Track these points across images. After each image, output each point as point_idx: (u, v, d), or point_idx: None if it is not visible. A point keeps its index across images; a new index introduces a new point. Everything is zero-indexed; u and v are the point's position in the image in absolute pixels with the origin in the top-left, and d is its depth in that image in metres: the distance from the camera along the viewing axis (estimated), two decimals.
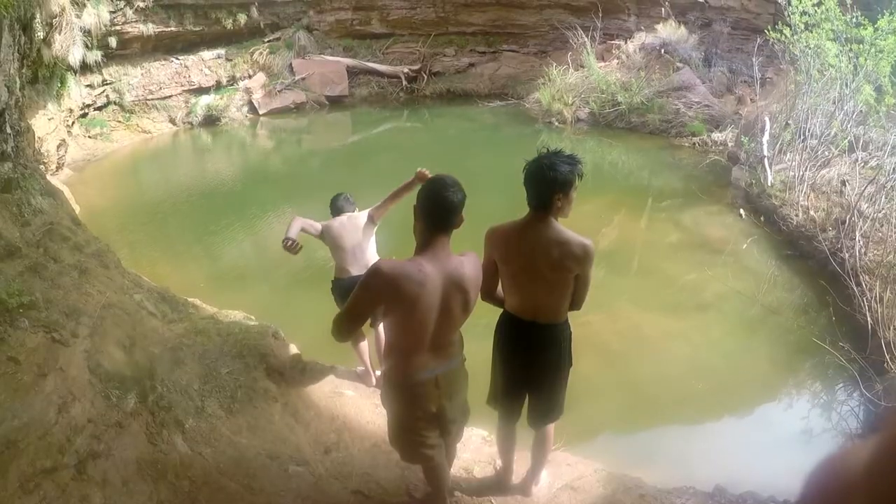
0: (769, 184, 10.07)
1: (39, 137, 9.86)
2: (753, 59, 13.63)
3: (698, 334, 7.04)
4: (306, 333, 6.47)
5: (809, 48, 10.58)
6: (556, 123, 15.30)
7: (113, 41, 14.49)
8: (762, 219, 9.56)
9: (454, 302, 3.05)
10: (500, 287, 3.63)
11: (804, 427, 5.78)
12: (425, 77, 19.07)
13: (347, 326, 3.08)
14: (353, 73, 18.46)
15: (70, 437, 3.47)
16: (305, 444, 4.37)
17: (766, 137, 10.92)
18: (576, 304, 3.53)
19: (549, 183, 3.23)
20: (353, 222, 5.06)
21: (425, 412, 3.27)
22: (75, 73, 13.44)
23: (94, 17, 13.58)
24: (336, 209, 5.23)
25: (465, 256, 3.12)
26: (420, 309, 2.96)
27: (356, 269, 4.87)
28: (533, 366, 3.59)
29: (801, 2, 10.53)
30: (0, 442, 3.16)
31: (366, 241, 5.05)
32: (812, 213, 8.95)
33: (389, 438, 3.60)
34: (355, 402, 4.98)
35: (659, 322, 7.14)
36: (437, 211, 2.98)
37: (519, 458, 4.21)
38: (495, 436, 4.17)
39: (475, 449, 4.65)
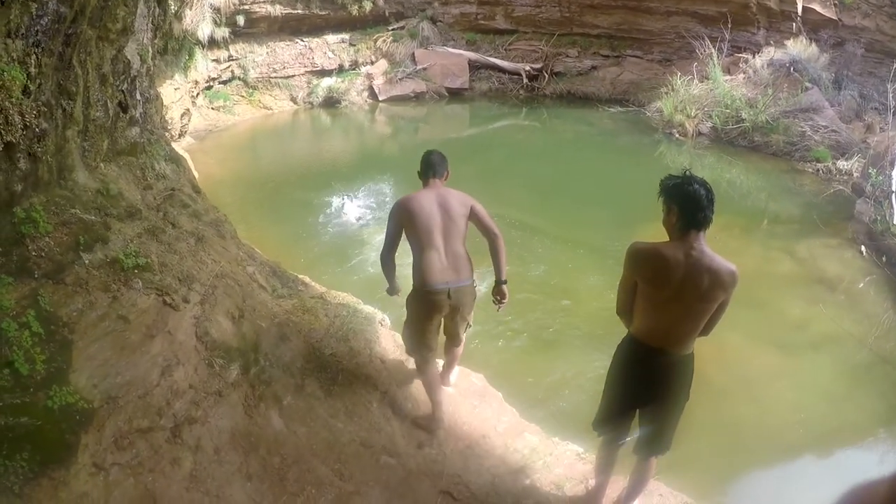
0: (895, 222, 9.38)
1: (165, 106, 10.19)
2: (888, 86, 12.37)
3: (803, 376, 6.59)
4: None
5: None
6: (677, 135, 14.67)
7: (241, 19, 15.03)
8: (884, 258, 8.83)
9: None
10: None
11: None
12: (546, 76, 18.70)
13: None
14: (474, 66, 18.41)
15: (170, 401, 3.52)
16: (399, 437, 4.30)
17: (895, 171, 10.14)
18: (708, 330, 3.35)
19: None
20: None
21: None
22: (203, 47, 14.03)
23: None
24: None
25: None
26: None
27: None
28: (653, 394, 3.42)
29: None
30: (101, 396, 3.22)
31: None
32: None
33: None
34: (454, 399, 4.83)
35: (764, 358, 6.72)
36: None
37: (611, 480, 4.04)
38: (595, 455, 4.00)
39: (568, 465, 4.45)
